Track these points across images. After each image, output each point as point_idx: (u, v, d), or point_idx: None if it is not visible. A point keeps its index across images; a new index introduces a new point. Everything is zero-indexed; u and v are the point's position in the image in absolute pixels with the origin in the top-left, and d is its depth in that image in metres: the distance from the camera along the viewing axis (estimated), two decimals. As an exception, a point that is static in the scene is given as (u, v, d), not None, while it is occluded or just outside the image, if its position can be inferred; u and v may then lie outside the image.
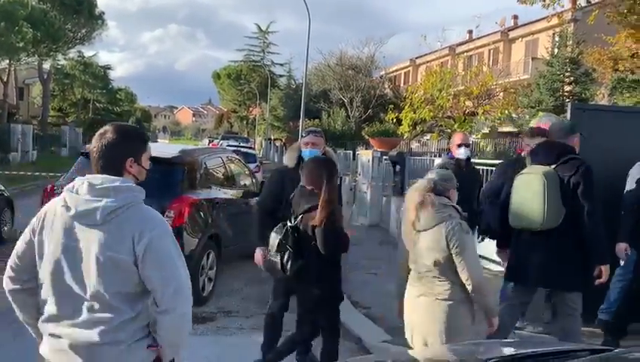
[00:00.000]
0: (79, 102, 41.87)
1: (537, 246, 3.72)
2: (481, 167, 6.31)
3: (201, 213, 5.77)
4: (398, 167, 10.08)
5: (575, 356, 1.97)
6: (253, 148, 28.34)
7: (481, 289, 3.01)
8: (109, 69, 44.55)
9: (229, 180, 6.94)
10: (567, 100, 19.17)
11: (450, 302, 3.02)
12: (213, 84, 65.44)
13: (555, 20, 19.57)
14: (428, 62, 36.74)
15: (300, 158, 4.04)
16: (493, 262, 7.14)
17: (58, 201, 2.01)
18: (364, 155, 12.63)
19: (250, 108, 59.97)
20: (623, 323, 4.59)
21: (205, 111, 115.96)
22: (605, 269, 3.75)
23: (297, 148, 4.12)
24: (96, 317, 1.94)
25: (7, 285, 2.07)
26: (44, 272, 2.00)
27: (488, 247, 6.40)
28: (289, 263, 3.47)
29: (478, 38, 34.29)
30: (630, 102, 10.43)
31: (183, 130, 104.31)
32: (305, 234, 3.49)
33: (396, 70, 41.88)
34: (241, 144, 25.44)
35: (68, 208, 1.96)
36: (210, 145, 30.18)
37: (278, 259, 3.51)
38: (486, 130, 24.47)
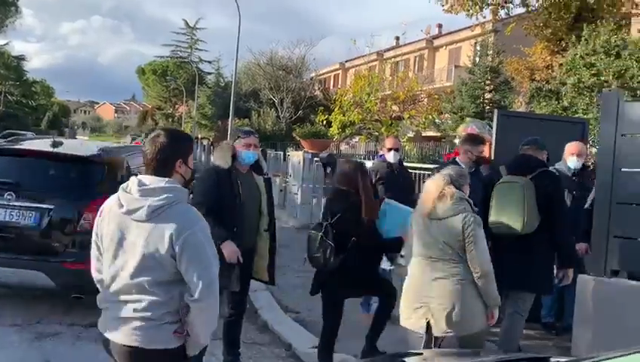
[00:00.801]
0: (-12, 93, 39.02)
1: (515, 251, 3.96)
2: (412, 171, 6.38)
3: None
4: (329, 169, 10.07)
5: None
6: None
7: (488, 277, 3.32)
8: (22, 59, 41.88)
9: (154, 181, 6.61)
10: (488, 107, 20.06)
11: (468, 281, 3.33)
12: (137, 79, 63.27)
13: (478, 30, 20.46)
14: (357, 66, 37.25)
15: (234, 159, 3.90)
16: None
17: (114, 198, 2.29)
18: (295, 156, 12.54)
19: (177, 106, 58.34)
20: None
21: (128, 108, 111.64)
22: (571, 272, 4.16)
23: (229, 148, 3.93)
24: (133, 297, 2.23)
25: (94, 275, 2.41)
26: (104, 259, 2.32)
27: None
28: (331, 258, 3.81)
29: (405, 45, 35.22)
30: (546, 110, 11.02)
31: (104, 126, 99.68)
32: (344, 230, 3.83)
33: (326, 72, 42.19)
34: (167, 142, 24.59)
35: (120, 205, 2.24)
36: (134, 143, 29.00)
37: (320, 255, 3.85)
38: (411, 134, 25.12)
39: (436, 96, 25.25)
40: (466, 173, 3.66)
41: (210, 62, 55.95)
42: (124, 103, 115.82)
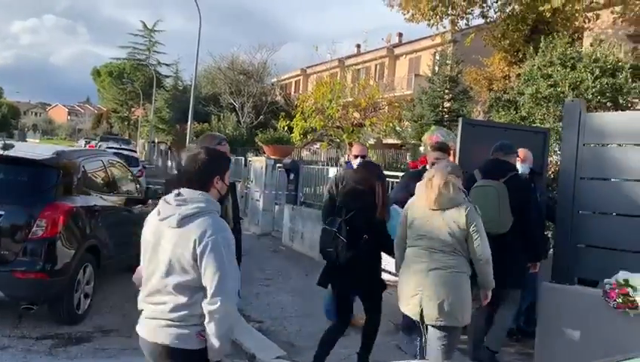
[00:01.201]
0: None
1: (492, 251, 4.05)
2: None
3: (78, 222, 5.18)
4: (292, 175, 9.97)
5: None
6: (136, 151, 26.82)
7: (489, 261, 3.54)
8: (-31, 58, 40.00)
9: (111, 186, 6.35)
10: (447, 116, 20.39)
11: (463, 274, 3.48)
12: (92, 81, 61.55)
13: (438, 40, 20.82)
14: (318, 72, 37.36)
15: None
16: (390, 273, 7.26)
17: (156, 208, 2.53)
18: (258, 162, 12.38)
19: (133, 109, 57.02)
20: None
21: (82, 110, 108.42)
22: (538, 266, 4.71)
23: None
24: (161, 299, 2.41)
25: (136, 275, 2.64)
26: (143, 263, 2.53)
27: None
28: (343, 252, 3.97)
29: (366, 53, 35.52)
30: (505, 119, 11.22)
31: (56, 129, 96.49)
32: (357, 227, 3.99)
33: (287, 78, 42.11)
34: (123, 146, 23.90)
35: (158, 213, 2.47)
36: (87, 146, 28.15)
37: (333, 249, 4.02)
38: (372, 142, 25.30)
39: (397, 104, 25.55)
40: (459, 167, 3.93)
41: (168, 64, 54.94)
42: (78, 106, 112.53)
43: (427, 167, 4.90)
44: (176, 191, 2.47)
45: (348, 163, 5.53)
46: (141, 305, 2.53)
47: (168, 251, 2.38)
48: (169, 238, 2.40)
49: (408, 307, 3.61)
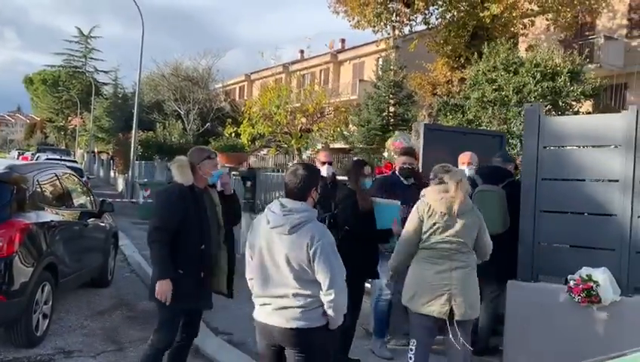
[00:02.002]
0: None
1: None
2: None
3: (35, 240, 4.92)
4: (249, 183, 9.85)
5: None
6: (77, 162, 25.78)
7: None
8: None
9: (66, 200, 6.09)
10: (392, 120, 20.80)
11: (475, 271, 3.79)
12: (24, 89, 58.77)
13: (382, 45, 21.19)
14: (263, 78, 37.23)
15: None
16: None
17: (262, 216, 3.02)
18: (210, 171, 12.13)
19: (70, 118, 54.81)
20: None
21: (13, 120, 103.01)
22: None
23: (188, 164, 3.75)
24: (283, 291, 2.93)
25: (247, 274, 3.12)
26: (254, 265, 3.03)
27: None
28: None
29: (311, 58, 35.71)
30: (453, 122, 11.61)
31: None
32: (343, 220, 4.35)
33: (232, 84, 41.71)
34: (64, 157, 22.89)
35: (268, 221, 2.96)
36: (21, 158, 26.79)
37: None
38: (319, 146, 25.41)
39: (343, 109, 25.79)
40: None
41: (107, 72, 53.31)
42: (8, 115, 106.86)
43: (396, 172, 4.97)
44: (279, 202, 2.99)
45: None
46: (260, 300, 3.04)
47: (284, 253, 2.91)
48: (282, 243, 2.92)
49: (432, 307, 3.67)
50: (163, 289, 3.60)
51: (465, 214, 3.71)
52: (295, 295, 2.91)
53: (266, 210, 3.02)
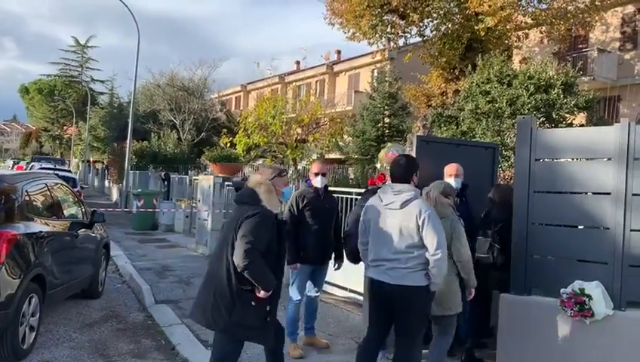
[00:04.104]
0: None
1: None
2: (336, 195, 6.37)
3: (23, 251, 4.85)
4: (242, 194, 9.78)
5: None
6: (71, 171, 25.64)
7: (470, 265, 4.30)
8: None
9: (55, 210, 6.02)
10: (387, 131, 20.81)
11: (456, 276, 4.26)
12: (20, 98, 58.63)
13: (377, 57, 21.27)
14: (259, 88, 37.29)
15: None
16: (342, 288, 7.24)
17: (375, 198, 3.96)
18: (205, 181, 12.08)
19: (65, 127, 54.64)
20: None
21: (9, 129, 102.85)
22: None
23: (273, 189, 3.75)
24: (395, 256, 3.75)
25: (361, 245, 4.07)
26: (371, 235, 3.92)
27: (351, 277, 6.45)
28: (498, 257, 4.96)
29: (307, 69, 35.81)
30: (447, 134, 11.61)
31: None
32: (505, 236, 4.95)
33: (228, 94, 41.75)
34: (58, 167, 22.76)
35: (381, 200, 3.88)
36: (16, 167, 26.63)
37: (489, 255, 5.02)
38: (314, 157, 25.38)
39: (338, 120, 25.81)
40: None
41: (103, 81, 53.24)
42: (4, 124, 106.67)
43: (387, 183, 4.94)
44: (388, 186, 3.94)
45: (307, 180, 5.50)
46: (375, 263, 3.86)
47: (397, 225, 3.75)
48: (395, 216, 3.77)
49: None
50: (264, 295, 3.51)
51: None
52: (406, 258, 3.70)
53: (378, 192, 3.96)
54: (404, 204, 3.71)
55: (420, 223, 3.65)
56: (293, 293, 5.24)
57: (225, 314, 3.43)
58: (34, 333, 5.04)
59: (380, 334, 3.96)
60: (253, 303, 3.43)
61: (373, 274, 3.86)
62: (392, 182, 3.89)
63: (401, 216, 3.71)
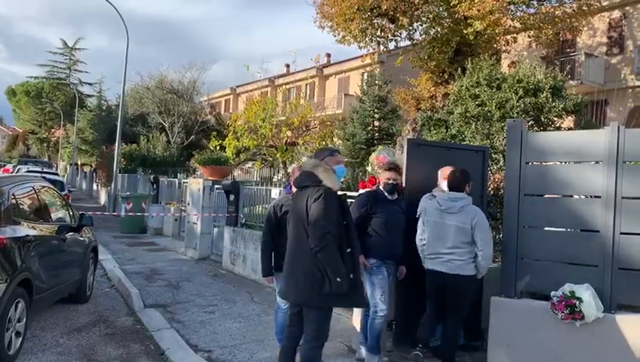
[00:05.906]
0: None
1: None
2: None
3: (9, 255, 4.78)
4: (232, 197, 9.74)
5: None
6: (58, 175, 25.40)
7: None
8: None
9: (43, 214, 5.95)
10: (377, 134, 20.85)
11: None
12: (6, 101, 58.06)
13: (367, 60, 21.30)
14: (248, 91, 37.19)
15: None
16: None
17: (432, 203, 4.80)
18: (194, 184, 12.00)
19: (53, 130, 54.18)
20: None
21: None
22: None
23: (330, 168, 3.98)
24: (451, 250, 4.62)
25: (419, 240, 4.89)
26: (428, 232, 4.77)
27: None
28: None
29: (296, 72, 35.80)
30: (436, 137, 11.60)
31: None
32: None
33: (217, 97, 41.61)
34: (45, 170, 22.53)
35: (439, 205, 4.72)
36: (2, 170, 26.32)
37: None
38: (304, 159, 25.33)
39: (328, 123, 25.83)
40: None
41: (91, 84, 52.89)
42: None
43: (380, 186, 4.94)
44: (445, 194, 4.76)
45: (287, 187, 5.38)
46: (432, 256, 4.71)
47: (454, 225, 4.59)
48: (452, 218, 4.59)
49: None
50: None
51: None
52: (460, 251, 4.54)
53: (435, 199, 4.77)
54: (461, 209, 4.55)
55: (473, 224, 4.48)
56: (281, 301, 5.17)
57: (317, 289, 3.66)
58: (20, 339, 4.96)
59: (438, 310, 4.80)
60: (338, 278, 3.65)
61: (431, 265, 4.72)
62: (450, 190, 4.71)
63: (457, 218, 4.55)
